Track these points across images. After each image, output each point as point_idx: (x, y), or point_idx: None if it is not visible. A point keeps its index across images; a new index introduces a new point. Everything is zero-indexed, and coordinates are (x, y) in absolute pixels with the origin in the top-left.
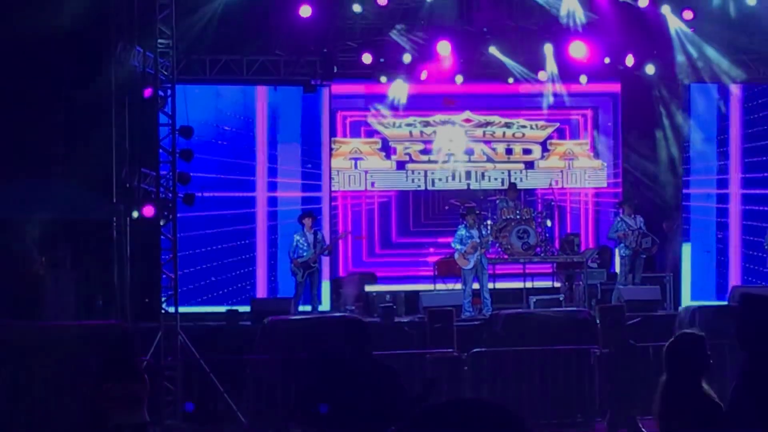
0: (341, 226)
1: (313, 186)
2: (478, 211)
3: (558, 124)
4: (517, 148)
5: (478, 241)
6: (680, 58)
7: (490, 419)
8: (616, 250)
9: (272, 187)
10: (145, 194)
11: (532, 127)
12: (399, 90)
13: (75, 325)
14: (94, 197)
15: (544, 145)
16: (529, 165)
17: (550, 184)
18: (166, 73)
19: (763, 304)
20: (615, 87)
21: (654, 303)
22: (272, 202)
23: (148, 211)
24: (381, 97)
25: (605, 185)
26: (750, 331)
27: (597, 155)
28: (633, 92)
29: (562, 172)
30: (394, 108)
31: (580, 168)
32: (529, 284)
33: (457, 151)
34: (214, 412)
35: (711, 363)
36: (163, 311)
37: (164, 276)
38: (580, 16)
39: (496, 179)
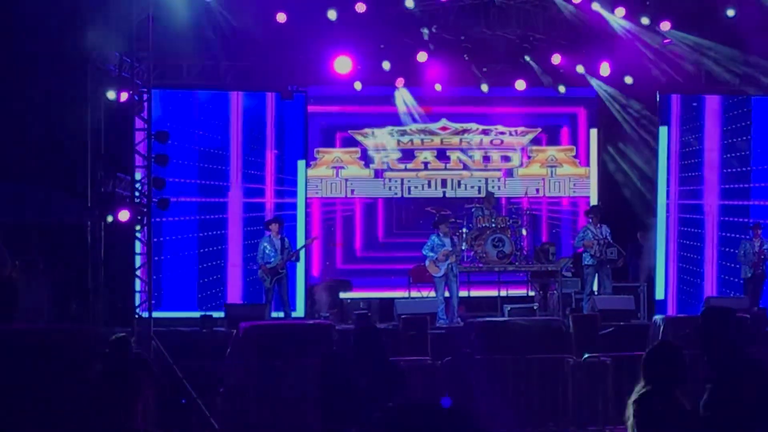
0: (317, 232)
1: (288, 192)
2: (451, 220)
3: (539, 130)
4: (495, 156)
5: (450, 249)
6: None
7: (445, 421)
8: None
9: (246, 193)
10: (120, 198)
11: (511, 134)
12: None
13: (49, 329)
14: (69, 201)
15: (525, 152)
16: (508, 173)
17: (526, 193)
18: (142, 77)
19: (723, 316)
20: (592, 96)
21: (628, 313)
22: (246, 207)
23: (124, 215)
24: (357, 105)
25: (590, 194)
26: (712, 342)
27: (584, 162)
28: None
29: (543, 179)
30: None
31: (563, 176)
32: (503, 293)
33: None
34: (187, 418)
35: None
36: (136, 316)
37: (139, 281)
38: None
39: (472, 187)
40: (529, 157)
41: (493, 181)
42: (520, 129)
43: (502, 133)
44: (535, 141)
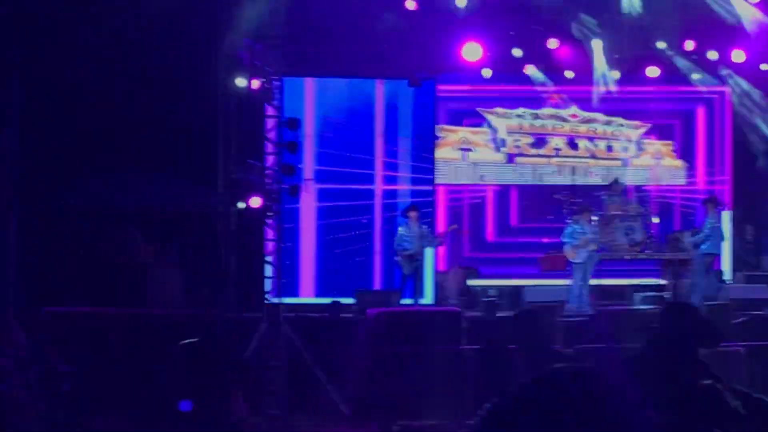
0: (446, 220)
1: (421, 180)
2: (592, 209)
3: (650, 125)
4: (616, 146)
5: (590, 237)
6: None
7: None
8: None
9: (385, 180)
10: (251, 185)
11: (628, 126)
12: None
13: (182, 314)
14: (197, 188)
15: (638, 144)
16: (625, 162)
17: (658, 182)
18: (273, 65)
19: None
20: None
21: (762, 302)
22: (384, 195)
23: (255, 201)
24: (485, 91)
25: (684, 183)
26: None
27: (680, 156)
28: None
29: (651, 170)
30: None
31: (666, 167)
32: (634, 281)
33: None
34: (316, 404)
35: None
36: (266, 302)
37: (270, 266)
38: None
39: (597, 175)
40: (641, 149)
41: (614, 170)
42: (635, 123)
43: (622, 125)
44: (646, 134)
